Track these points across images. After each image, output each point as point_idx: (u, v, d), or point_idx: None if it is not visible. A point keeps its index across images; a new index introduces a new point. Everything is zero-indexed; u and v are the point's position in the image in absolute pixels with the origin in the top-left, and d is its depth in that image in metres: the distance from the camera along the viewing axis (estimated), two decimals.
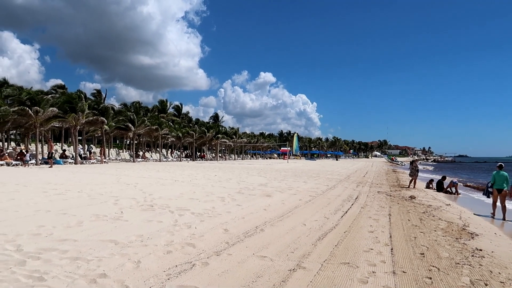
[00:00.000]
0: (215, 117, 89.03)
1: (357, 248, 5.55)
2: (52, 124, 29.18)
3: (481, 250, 5.84)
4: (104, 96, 55.24)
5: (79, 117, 28.30)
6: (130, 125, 37.64)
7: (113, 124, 37.77)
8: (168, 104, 71.32)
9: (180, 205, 8.65)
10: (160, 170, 22.31)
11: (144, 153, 45.23)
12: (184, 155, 56.01)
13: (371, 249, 5.53)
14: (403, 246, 5.85)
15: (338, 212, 8.80)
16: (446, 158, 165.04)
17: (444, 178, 18.63)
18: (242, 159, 72.88)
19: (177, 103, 75.29)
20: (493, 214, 10.70)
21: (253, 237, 5.90)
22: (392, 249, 5.60)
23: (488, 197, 11.81)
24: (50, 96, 35.96)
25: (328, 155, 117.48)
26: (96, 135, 44.37)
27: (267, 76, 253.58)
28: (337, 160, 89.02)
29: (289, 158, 77.27)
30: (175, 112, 73.07)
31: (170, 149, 64.25)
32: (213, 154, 66.25)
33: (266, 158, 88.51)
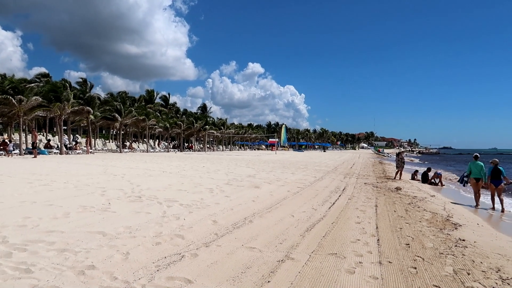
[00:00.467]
0: (203, 108, 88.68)
1: (345, 239, 5.63)
2: (36, 113, 28.65)
3: (464, 240, 5.99)
4: (89, 85, 54.42)
5: (64, 106, 27.86)
6: (116, 115, 37.21)
7: (99, 114, 37.26)
8: (155, 94, 70.75)
9: (168, 196, 8.63)
10: (148, 161, 22.16)
11: (131, 143, 44.85)
12: (171, 146, 55.69)
13: (358, 240, 5.61)
14: (389, 236, 5.95)
15: (325, 204, 8.89)
16: (431, 150, 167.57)
17: (429, 169, 18.93)
18: (230, 150, 72.86)
19: (164, 93, 74.64)
20: (477, 205, 11.03)
21: (241, 228, 5.93)
22: (378, 239, 5.69)
23: (464, 185, 13.31)
24: (34, 84, 35.25)
25: (316, 147, 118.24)
26: (81, 125, 43.73)
27: (255, 67, 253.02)
28: (324, 151, 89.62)
29: (277, 150, 77.51)
30: (162, 103, 72.49)
31: (157, 140, 63.87)
32: (201, 145, 66.05)
33: (255, 149, 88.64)
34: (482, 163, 11.55)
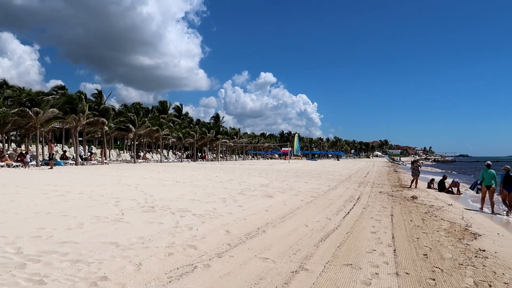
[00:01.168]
0: (216, 118, 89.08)
1: (360, 249, 5.51)
2: (52, 125, 29.18)
3: (484, 250, 5.80)
4: (105, 97, 55.32)
5: (80, 118, 28.30)
6: (130, 126, 37.61)
7: (113, 125, 37.75)
8: (168, 104, 71.43)
9: (181, 206, 8.61)
10: (161, 171, 22.28)
11: (145, 154, 45.22)
12: (185, 156, 56.00)
13: (374, 250, 5.49)
14: (406, 247, 5.80)
15: (340, 213, 8.76)
16: (446, 158, 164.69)
17: (445, 177, 18.57)
18: (243, 159, 72.89)
19: (177, 103, 75.52)
20: (481, 208, 11.86)
21: (254, 238, 5.86)
22: (394, 250, 5.56)
23: (477, 193, 13.53)
24: (50, 97, 35.99)
25: (329, 155, 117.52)
26: (96, 136, 44.35)
27: (267, 76, 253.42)
28: (338, 160, 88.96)
29: (290, 159, 77.22)
30: (175, 113, 73.13)
31: (171, 150, 64.30)
32: (214, 154, 66.25)
33: (267, 159, 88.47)
34: (494, 171, 11.98)
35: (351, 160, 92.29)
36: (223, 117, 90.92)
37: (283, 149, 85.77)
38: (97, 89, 56.27)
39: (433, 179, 19.72)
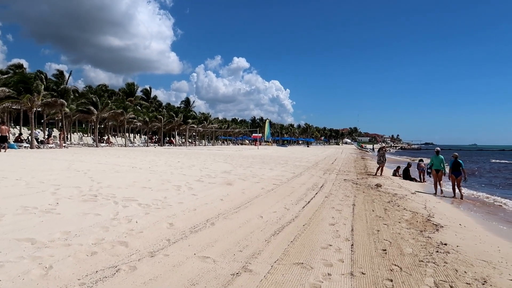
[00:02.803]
0: (186, 102, 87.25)
1: (315, 244, 5.02)
2: (4, 105, 27.23)
3: (446, 244, 5.45)
4: (67, 77, 52.59)
5: (34, 98, 26.51)
6: (92, 108, 35.87)
7: (74, 107, 35.88)
8: (136, 87, 69.05)
9: (128, 194, 7.87)
10: (121, 156, 21.22)
11: (108, 137, 43.53)
12: (152, 141, 54.49)
13: (330, 245, 5.01)
14: (365, 241, 5.37)
15: (300, 202, 8.28)
16: (413, 146, 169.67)
17: (409, 165, 18.59)
18: (213, 145, 71.92)
19: (146, 86, 73.14)
20: (436, 193, 12.88)
21: (200, 232, 5.26)
22: (352, 245, 5.10)
23: (429, 176, 15.66)
24: (5, 76, 33.62)
25: (300, 142, 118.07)
26: (56, 118, 42.18)
27: (240, 62, 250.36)
28: (308, 146, 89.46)
29: (260, 145, 76.93)
30: (143, 96, 70.98)
31: (138, 134, 62.47)
32: (184, 139, 64.94)
33: (238, 144, 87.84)
34: (442, 157, 13.44)
35: (320, 147, 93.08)
36: (193, 102, 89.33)
37: (253, 135, 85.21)
38: (58, 70, 53.26)
39: (399, 167, 19.72)
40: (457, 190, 12.47)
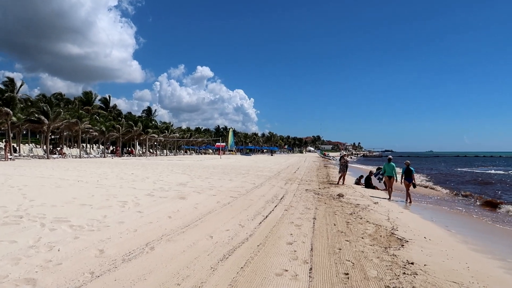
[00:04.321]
0: (148, 111, 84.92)
1: (269, 270, 4.36)
2: None
3: (412, 263, 4.95)
4: (19, 85, 49.42)
5: None
6: (43, 117, 33.68)
7: (22, 116, 33.55)
8: (94, 96, 66.22)
9: (61, 214, 6.90)
10: (71, 168, 19.75)
11: (61, 148, 41.16)
12: (109, 151, 52.25)
13: (286, 270, 4.37)
14: (325, 262, 4.77)
15: (257, 217, 7.62)
16: (374, 153, 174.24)
17: (371, 173, 18.44)
18: (175, 155, 70.17)
19: (106, 95, 70.45)
20: (389, 198, 13.32)
21: (134, 261, 4.45)
22: (311, 268, 4.48)
23: (379, 181, 16.65)
24: None
25: (264, 151, 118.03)
26: (3, 128, 39.39)
27: (204, 71, 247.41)
28: (272, 155, 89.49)
29: (223, 154, 76.02)
30: (102, 105, 68.22)
31: (96, 144, 59.80)
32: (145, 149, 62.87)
33: (201, 154, 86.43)
34: (394, 164, 14.05)
35: (284, 155, 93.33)
36: (155, 111, 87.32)
37: (217, 144, 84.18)
38: (8, 77, 50.04)
39: (361, 176, 19.54)
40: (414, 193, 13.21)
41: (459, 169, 44.85)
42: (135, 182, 12.95)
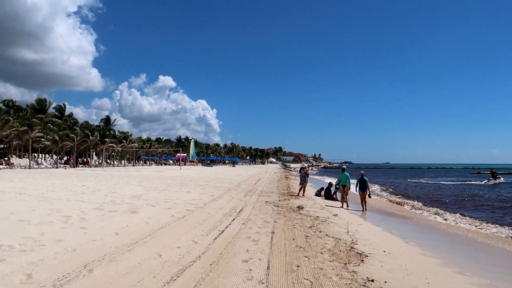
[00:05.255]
0: (107, 120, 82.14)
1: None
2: None
3: (373, 280, 4.73)
4: None
5: None
6: None
7: None
8: (48, 103, 63.13)
9: None
10: (16, 180, 18.36)
11: (9, 159, 38.64)
12: (63, 161, 49.73)
13: None
14: (282, 282, 4.44)
15: (212, 232, 7.20)
16: (334, 164, 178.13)
17: (331, 185, 18.48)
18: (133, 165, 68.01)
19: (61, 103, 67.32)
20: (342, 206, 14.09)
21: (65, 287, 3.92)
22: None
23: (335, 191, 16.91)
24: None
25: (226, 162, 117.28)
26: None
27: (166, 80, 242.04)
28: (233, 166, 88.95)
29: (184, 164, 74.59)
30: (56, 113, 65.11)
31: (49, 154, 56.78)
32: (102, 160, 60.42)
33: (161, 165, 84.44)
34: (348, 174, 14.81)
35: (246, 167, 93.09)
36: (114, 120, 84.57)
37: (177, 155, 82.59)
38: None
39: (322, 188, 19.53)
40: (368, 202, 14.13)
41: (414, 181, 46.43)
42: (85, 195, 12.12)
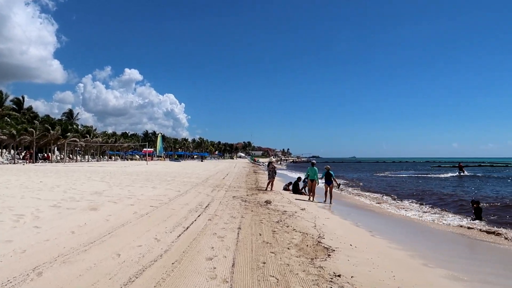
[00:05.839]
0: (69, 114, 79.30)
1: None
2: None
3: (339, 276, 4.65)
4: None
5: None
6: None
7: None
8: (4, 96, 59.95)
9: None
10: None
11: None
12: (21, 157, 47.42)
13: None
14: (247, 280, 4.27)
15: (177, 229, 6.93)
16: (302, 159, 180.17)
17: (299, 179, 18.53)
18: (98, 161, 65.86)
19: (19, 96, 64.16)
20: (310, 199, 14.53)
21: None
22: None
23: (304, 185, 16.94)
24: None
25: (194, 156, 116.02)
26: None
27: (132, 73, 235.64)
28: (202, 161, 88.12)
29: (152, 159, 73.13)
30: (14, 106, 61.99)
31: (6, 149, 54.00)
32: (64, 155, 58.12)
33: (127, 160, 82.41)
34: (316, 168, 15.12)
35: (215, 161, 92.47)
36: (77, 114, 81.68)
37: (144, 149, 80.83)
38: None
39: (291, 182, 19.57)
40: (329, 195, 14.42)
41: (380, 174, 47.62)
42: (41, 192, 11.47)
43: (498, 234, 9.47)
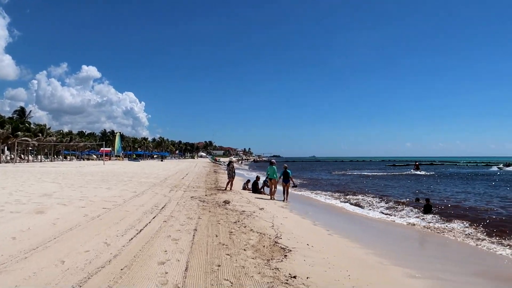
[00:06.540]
0: (21, 112, 75.08)
1: None
2: None
3: (295, 277, 4.60)
4: None
5: None
6: None
7: None
8: None
9: None
10: None
11: None
12: None
13: None
14: (200, 285, 4.13)
15: (129, 232, 6.64)
16: (263, 158, 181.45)
17: (258, 178, 18.55)
18: (51, 161, 62.92)
19: None
20: (271, 198, 14.91)
21: None
22: None
23: (265, 184, 16.98)
24: None
25: (154, 156, 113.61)
26: None
27: (90, 70, 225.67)
28: (162, 161, 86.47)
29: (109, 159, 70.84)
30: None
31: None
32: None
33: (84, 160, 79.35)
34: (275, 167, 15.44)
35: (175, 161, 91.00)
36: (30, 111, 77.54)
37: (101, 149, 78.08)
38: None
39: (248, 180, 19.54)
40: (289, 193, 15.14)
41: (338, 173, 48.79)
42: None
43: (447, 231, 9.89)
